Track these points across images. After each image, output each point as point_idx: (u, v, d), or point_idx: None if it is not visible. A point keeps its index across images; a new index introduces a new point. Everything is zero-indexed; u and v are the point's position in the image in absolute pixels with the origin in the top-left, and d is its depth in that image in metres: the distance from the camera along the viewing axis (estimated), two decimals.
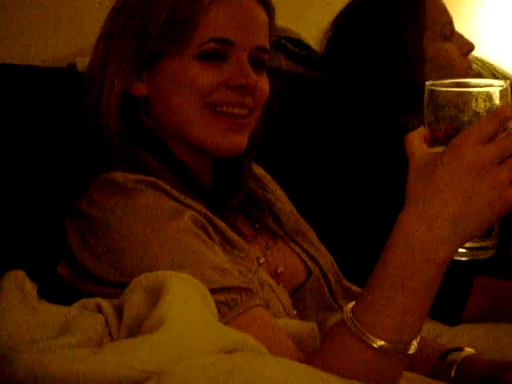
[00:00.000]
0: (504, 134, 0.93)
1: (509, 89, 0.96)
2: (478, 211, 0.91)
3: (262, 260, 1.25)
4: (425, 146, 0.96)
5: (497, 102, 0.95)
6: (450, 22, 1.89)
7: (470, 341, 1.49)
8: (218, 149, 1.21)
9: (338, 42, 1.89)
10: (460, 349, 1.30)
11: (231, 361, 0.90)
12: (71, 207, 1.18)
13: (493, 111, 0.93)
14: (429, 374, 1.27)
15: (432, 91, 0.97)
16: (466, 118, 0.95)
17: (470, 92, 0.95)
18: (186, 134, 1.21)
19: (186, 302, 0.95)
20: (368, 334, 0.94)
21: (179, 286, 0.97)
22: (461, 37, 1.91)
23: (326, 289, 1.30)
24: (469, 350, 1.29)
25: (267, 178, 1.41)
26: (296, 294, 1.27)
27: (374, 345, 0.93)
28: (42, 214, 1.22)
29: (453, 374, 1.27)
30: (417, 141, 0.96)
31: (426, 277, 0.93)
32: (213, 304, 1.01)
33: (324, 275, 1.31)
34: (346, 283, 1.38)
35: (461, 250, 0.96)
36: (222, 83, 1.19)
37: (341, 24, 1.89)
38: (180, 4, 1.18)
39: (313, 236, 1.38)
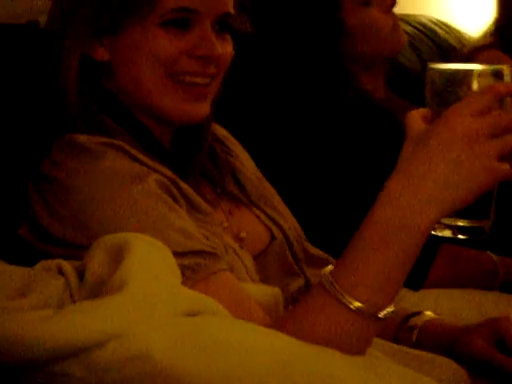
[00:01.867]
0: (499, 111, 0.95)
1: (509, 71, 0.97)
2: (463, 179, 0.93)
3: (225, 224, 1.24)
4: (422, 123, 0.99)
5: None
6: None
7: (432, 305, 1.51)
8: (180, 118, 1.20)
9: (266, 14, 1.92)
10: (421, 313, 1.31)
11: (194, 323, 0.89)
12: (34, 169, 1.16)
13: (487, 86, 0.95)
14: (391, 339, 1.28)
15: (432, 70, 0.98)
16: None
17: (471, 70, 0.97)
18: (148, 103, 1.19)
19: (148, 263, 0.94)
20: (346, 295, 0.94)
21: (142, 248, 0.96)
22: None
23: (289, 254, 1.30)
24: (429, 314, 1.31)
25: (230, 140, 1.40)
26: (259, 258, 1.26)
27: (351, 306, 0.94)
28: (4, 176, 1.20)
29: (414, 338, 1.28)
30: (416, 118, 0.99)
31: (407, 241, 0.94)
32: (176, 267, 1.00)
33: (287, 240, 1.30)
34: (310, 249, 1.37)
35: (457, 224, 0.98)
36: (185, 52, 1.17)
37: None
38: None
39: (277, 200, 1.37)
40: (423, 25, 2.49)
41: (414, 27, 2.43)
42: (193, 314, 0.92)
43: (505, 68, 0.97)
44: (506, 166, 0.94)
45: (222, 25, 1.21)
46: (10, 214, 1.15)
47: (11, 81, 1.28)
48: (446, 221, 0.99)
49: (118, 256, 0.94)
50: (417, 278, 1.62)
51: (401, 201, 0.94)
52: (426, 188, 0.93)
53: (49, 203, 1.11)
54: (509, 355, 1.19)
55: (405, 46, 2.03)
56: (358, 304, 0.94)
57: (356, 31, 1.88)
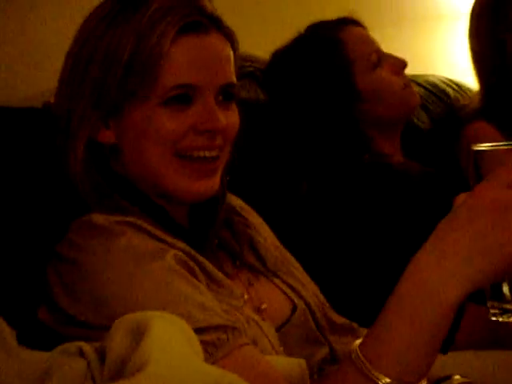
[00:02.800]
0: None
1: None
2: (489, 251, 0.90)
3: (246, 297, 1.23)
4: None
5: None
6: (375, 50, 1.93)
7: (461, 368, 1.48)
8: (191, 197, 1.20)
9: (278, 84, 1.93)
10: (450, 377, 1.28)
11: None
12: (52, 251, 1.15)
13: None
14: None
15: (477, 152, 0.95)
16: None
17: None
18: (157, 183, 1.19)
19: (169, 342, 0.92)
20: (373, 370, 0.92)
21: (162, 326, 0.94)
22: (390, 58, 1.95)
23: (311, 323, 1.28)
24: (459, 378, 1.28)
25: (246, 209, 1.40)
26: (282, 329, 1.25)
27: (380, 382, 0.92)
28: (23, 258, 1.20)
29: None
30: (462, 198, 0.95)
31: (433, 314, 0.92)
32: (198, 344, 0.98)
33: (309, 309, 1.29)
34: (333, 316, 1.35)
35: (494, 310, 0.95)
36: (190, 128, 1.17)
37: (277, 68, 1.95)
38: (139, 51, 1.14)
39: (296, 268, 1.36)
40: (434, 85, 2.50)
41: (425, 88, 2.43)
42: None
43: None
44: None
45: (226, 95, 1.20)
46: (30, 298, 1.14)
47: (28, 163, 1.28)
48: (506, 305, 0.94)
49: (138, 335, 0.93)
50: (444, 341, 1.60)
51: (425, 275, 0.92)
52: (450, 261, 0.91)
53: (68, 285, 1.11)
54: None
55: (418, 106, 2.04)
56: (387, 380, 0.92)
57: (369, 95, 1.89)
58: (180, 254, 1.12)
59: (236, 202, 1.38)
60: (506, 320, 0.95)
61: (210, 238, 1.26)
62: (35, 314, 1.13)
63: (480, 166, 0.95)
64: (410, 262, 0.94)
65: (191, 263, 1.13)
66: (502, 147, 0.94)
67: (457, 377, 1.28)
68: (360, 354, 0.94)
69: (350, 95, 1.88)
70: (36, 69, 1.49)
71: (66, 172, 1.19)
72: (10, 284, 1.18)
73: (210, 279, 1.16)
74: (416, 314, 0.92)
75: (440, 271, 0.91)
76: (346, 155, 1.85)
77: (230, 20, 1.23)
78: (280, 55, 1.96)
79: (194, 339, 0.98)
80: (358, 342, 0.96)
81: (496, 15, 2.12)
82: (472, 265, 0.90)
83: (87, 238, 1.12)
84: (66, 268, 1.12)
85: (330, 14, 1.99)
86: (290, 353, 1.22)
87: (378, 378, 0.92)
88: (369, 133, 1.92)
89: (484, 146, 0.94)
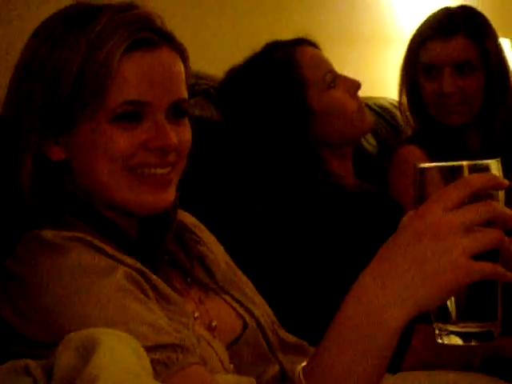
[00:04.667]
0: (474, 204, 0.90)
1: (499, 165, 0.94)
2: (428, 276, 0.89)
3: (196, 314, 1.22)
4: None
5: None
6: (329, 71, 1.95)
7: None
8: (145, 210, 1.18)
9: (232, 103, 1.94)
10: None
11: None
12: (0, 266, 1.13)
13: (461, 179, 0.91)
14: None
15: (422, 170, 0.94)
16: None
17: (461, 165, 0.92)
18: (109, 198, 1.17)
19: (118, 359, 0.90)
20: None
21: (111, 343, 0.92)
22: (345, 79, 1.97)
23: (262, 341, 1.27)
24: None
25: (199, 227, 1.38)
26: (232, 347, 1.23)
27: None
28: None
29: None
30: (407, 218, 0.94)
31: (376, 338, 0.91)
32: (147, 362, 0.97)
33: (260, 327, 1.28)
34: (284, 336, 1.35)
35: (465, 330, 0.93)
36: (141, 146, 1.15)
37: (232, 86, 1.96)
38: (87, 67, 1.12)
39: (248, 286, 1.35)
40: (383, 108, 2.52)
41: (375, 111, 2.46)
42: None
43: (491, 163, 0.93)
44: (483, 265, 0.88)
45: (177, 111, 1.19)
46: None
47: None
48: (451, 327, 0.93)
49: (86, 352, 0.91)
50: (394, 361, 1.60)
51: (368, 297, 0.91)
52: (392, 285, 0.90)
53: (15, 302, 1.08)
54: None
55: (370, 130, 2.06)
56: None
57: (322, 114, 1.90)
58: (130, 270, 1.11)
59: (189, 219, 1.37)
60: (452, 343, 0.94)
61: (160, 252, 1.24)
62: None
63: (424, 185, 0.94)
64: (354, 284, 0.94)
65: (141, 280, 1.12)
66: (446, 166, 0.93)
67: None
68: (302, 378, 0.93)
69: (303, 115, 1.88)
70: None
71: (16, 185, 1.16)
72: None
73: (160, 296, 1.14)
74: (359, 338, 0.91)
75: (383, 294, 0.91)
76: (298, 175, 1.86)
77: (183, 37, 1.22)
78: (234, 74, 1.96)
79: (144, 357, 0.97)
80: (302, 365, 0.96)
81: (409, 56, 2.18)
82: (413, 290, 0.89)
83: (34, 253, 1.10)
84: (13, 285, 1.09)
85: (284, 33, 2.00)
86: (240, 371, 1.21)
87: None
88: (321, 153, 1.92)
89: (428, 165, 0.94)
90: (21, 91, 1.17)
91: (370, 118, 2.01)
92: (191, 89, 1.86)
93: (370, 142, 2.37)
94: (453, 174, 0.92)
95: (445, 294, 0.90)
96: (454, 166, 0.93)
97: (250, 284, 1.37)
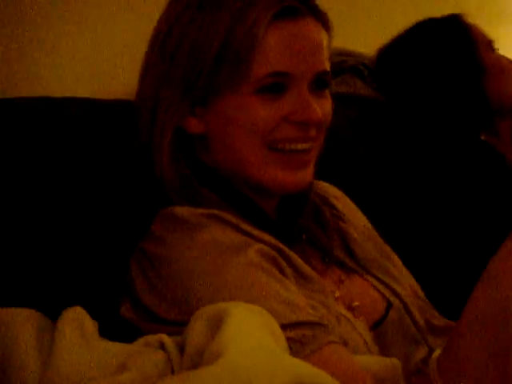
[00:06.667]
0: None
1: None
2: None
3: (336, 294, 1.17)
4: None
5: None
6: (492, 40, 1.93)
7: None
8: (284, 188, 1.15)
9: (398, 67, 1.91)
10: None
11: None
12: (135, 245, 1.14)
13: None
14: None
15: None
16: None
17: None
18: (248, 175, 1.14)
19: (248, 331, 0.89)
20: None
21: (241, 315, 0.91)
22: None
23: (409, 321, 1.22)
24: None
25: (343, 200, 1.33)
26: (377, 328, 1.19)
27: None
28: (107, 252, 1.19)
29: None
30: None
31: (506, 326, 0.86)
32: (281, 335, 0.95)
33: (406, 307, 1.22)
34: (432, 318, 1.28)
35: None
36: (284, 119, 1.12)
37: (397, 51, 1.93)
38: (232, 36, 1.09)
39: (393, 263, 1.29)
40: None
41: None
42: None
43: None
44: None
45: (319, 83, 1.15)
46: (113, 292, 1.13)
47: (110, 158, 1.28)
48: None
49: (216, 324, 0.90)
50: None
51: (500, 280, 0.87)
52: None
53: (151, 280, 1.08)
54: None
55: None
56: None
57: (494, 71, 1.87)
58: (266, 247, 1.09)
59: (332, 191, 1.33)
60: None
61: (297, 230, 1.21)
62: (118, 308, 1.12)
63: None
64: (486, 267, 0.88)
65: (278, 257, 1.09)
66: None
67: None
68: (436, 369, 0.89)
69: (478, 73, 1.85)
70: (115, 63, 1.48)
71: (151, 163, 1.16)
72: (93, 278, 1.17)
73: (298, 274, 1.11)
74: (488, 325, 0.87)
75: None
76: (465, 128, 1.82)
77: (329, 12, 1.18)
78: (400, 42, 1.93)
79: (278, 333, 0.95)
80: (436, 354, 0.91)
81: None
82: None
83: (169, 231, 1.10)
84: (149, 263, 1.10)
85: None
86: (386, 353, 1.16)
87: None
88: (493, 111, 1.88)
89: None
90: (160, 63, 1.15)
91: None
92: (338, 65, 1.86)
93: None
94: None
95: None
96: None
97: (396, 259, 1.31)
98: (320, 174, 1.23)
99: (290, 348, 0.97)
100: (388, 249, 1.32)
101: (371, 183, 1.74)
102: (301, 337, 1.00)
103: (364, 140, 1.83)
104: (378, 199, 1.68)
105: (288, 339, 0.96)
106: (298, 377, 0.85)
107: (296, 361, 0.89)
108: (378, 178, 1.78)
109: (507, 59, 1.90)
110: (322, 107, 1.15)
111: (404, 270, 1.30)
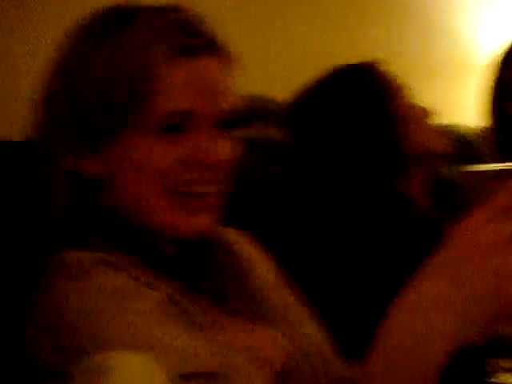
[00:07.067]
0: None
1: None
2: (476, 298, 0.80)
3: (235, 344, 1.13)
4: None
5: None
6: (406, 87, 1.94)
7: None
8: (181, 234, 1.11)
9: (311, 115, 1.91)
10: None
11: None
12: (26, 294, 1.08)
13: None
14: None
15: (465, 173, 0.87)
16: None
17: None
18: (148, 219, 1.10)
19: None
20: None
21: (128, 369, 0.87)
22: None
23: (310, 371, 1.18)
24: None
25: (239, 240, 1.28)
26: (277, 379, 1.15)
27: None
28: None
29: None
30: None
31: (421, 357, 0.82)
32: None
33: (306, 357, 1.19)
34: (338, 367, 1.25)
35: None
36: (184, 160, 1.08)
37: (311, 98, 1.93)
38: (130, 75, 1.06)
39: (299, 312, 1.25)
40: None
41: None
42: None
43: None
44: None
45: (224, 123, 1.12)
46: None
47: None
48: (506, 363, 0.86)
49: (98, 377, 0.85)
50: None
51: (403, 322, 0.84)
52: (432, 307, 0.81)
53: (38, 332, 1.03)
54: None
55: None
56: None
57: (406, 119, 1.88)
58: (161, 295, 1.05)
59: (233, 236, 1.28)
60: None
61: (197, 277, 1.17)
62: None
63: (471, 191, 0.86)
64: (391, 305, 0.86)
65: (175, 306, 1.06)
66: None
67: None
68: None
69: (387, 119, 1.86)
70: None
71: (46, 206, 1.12)
72: None
73: (195, 323, 1.08)
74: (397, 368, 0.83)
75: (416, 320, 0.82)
76: (375, 175, 1.83)
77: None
78: (315, 89, 1.93)
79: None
80: None
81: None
82: (457, 312, 0.81)
83: (60, 278, 1.05)
84: (40, 312, 1.05)
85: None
86: None
87: None
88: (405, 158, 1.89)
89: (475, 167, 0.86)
90: (55, 100, 1.12)
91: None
92: (248, 112, 1.85)
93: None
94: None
95: (494, 320, 0.82)
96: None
97: (303, 309, 1.27)
98: (228, 218, 1.19)
99: None
100: (294, 299, 1.28)
101: (279, 227, 1.74)
102: None
103: (275, 186, 1.84)
104: (288, 244, 1.68)
105: None
106: None
107: None
108: (288, 222, 1.78)
109: (419, 107, 1.93)
110: (225, 149, 1.12)
111: (311, 321, 1.26)
